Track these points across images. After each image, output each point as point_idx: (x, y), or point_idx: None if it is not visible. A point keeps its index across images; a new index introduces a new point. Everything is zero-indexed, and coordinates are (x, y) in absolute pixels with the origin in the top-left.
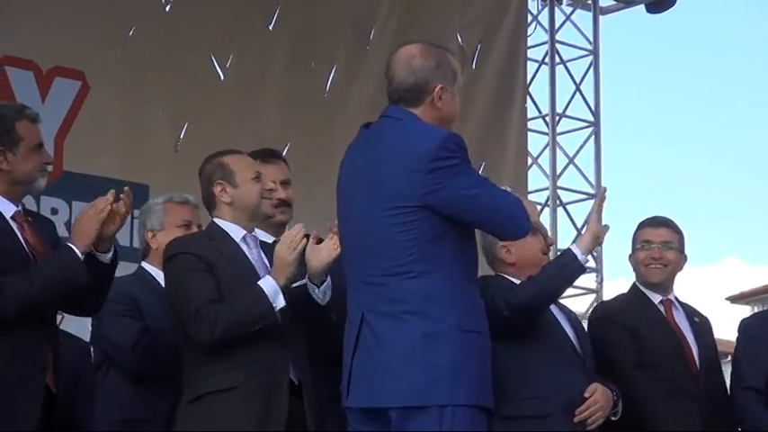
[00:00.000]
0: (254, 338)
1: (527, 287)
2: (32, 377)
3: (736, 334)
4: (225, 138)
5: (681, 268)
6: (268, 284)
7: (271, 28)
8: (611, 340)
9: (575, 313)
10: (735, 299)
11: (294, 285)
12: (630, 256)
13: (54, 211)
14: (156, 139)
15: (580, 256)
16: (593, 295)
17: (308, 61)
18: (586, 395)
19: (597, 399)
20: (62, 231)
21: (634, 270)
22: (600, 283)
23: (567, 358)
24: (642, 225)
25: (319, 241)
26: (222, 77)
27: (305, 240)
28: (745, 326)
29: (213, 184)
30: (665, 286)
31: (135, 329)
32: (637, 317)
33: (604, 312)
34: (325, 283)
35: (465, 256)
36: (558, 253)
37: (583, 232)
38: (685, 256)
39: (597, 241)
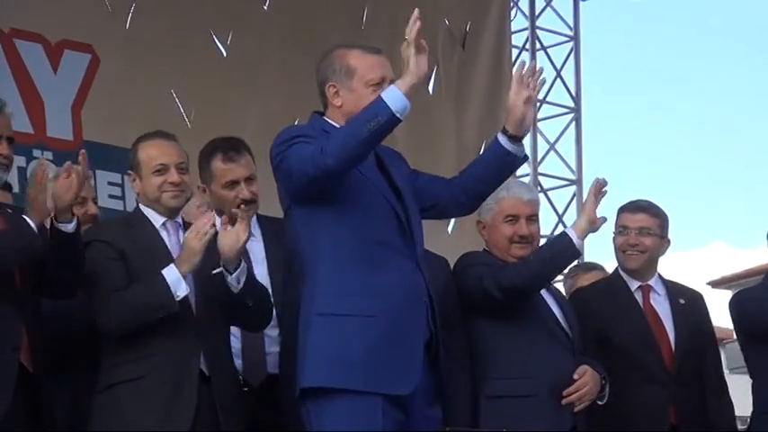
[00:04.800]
0: (165, 328)
1: (520, 270)
2: (3, 356)
3: (717, 318)
4: (234, 111)
5: (662, 253)
6: (170, 273)
7: (266, 8)
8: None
9: (561, 293)
10: (716, 284)
11: (214, 272)
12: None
13: None
14: (168, 113)
15: (576, 241)
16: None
17: (305, 41)
18: (575, 377)
19: (586, 381)
20: None
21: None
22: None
23: (555, 338)
24: (621, 210)
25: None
26: (224, 54)
27: (213, 229)
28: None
29: (129, 173)
30: (642, 272)
31: None
32: (607, 305)
33: (577, 301)
34: (239, 269)
35: (349, 238)
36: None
37: (579, 217)
38: (668, 241)
39: (592, 226)
